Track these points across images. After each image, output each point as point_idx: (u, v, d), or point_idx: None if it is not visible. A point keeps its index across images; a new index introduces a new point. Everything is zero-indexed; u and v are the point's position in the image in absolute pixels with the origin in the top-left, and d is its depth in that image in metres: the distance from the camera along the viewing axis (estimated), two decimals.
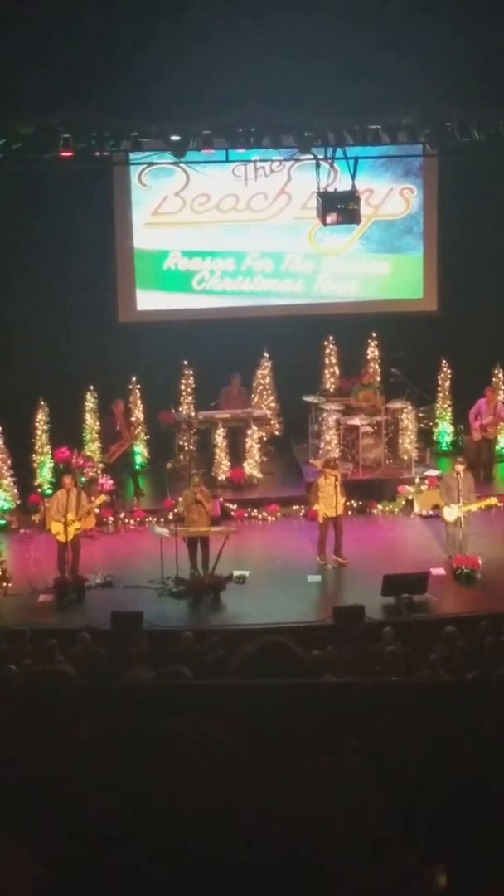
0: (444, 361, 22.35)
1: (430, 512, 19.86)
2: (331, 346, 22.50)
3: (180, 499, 19.03)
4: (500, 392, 22.04)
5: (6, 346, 21.70)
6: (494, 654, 14.14)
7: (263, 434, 21.67)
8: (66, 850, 3.71)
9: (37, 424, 21.07)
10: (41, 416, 21.09)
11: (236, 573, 17.93)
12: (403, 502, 20.47)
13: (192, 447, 21.62)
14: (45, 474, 20.95)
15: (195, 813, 3.68)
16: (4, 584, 17.94)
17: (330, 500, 18.44)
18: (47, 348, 21.63)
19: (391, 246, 22.84)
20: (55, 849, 3.72)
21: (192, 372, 21.92)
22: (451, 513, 18.25)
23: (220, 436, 21.16)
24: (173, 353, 21.76)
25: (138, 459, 21.63)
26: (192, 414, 21.72)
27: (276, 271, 22.69)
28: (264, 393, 22.28)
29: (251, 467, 21.15)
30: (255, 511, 20.47)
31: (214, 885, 3.54)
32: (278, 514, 20.46)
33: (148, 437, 21.85)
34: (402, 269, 22.95)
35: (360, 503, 20.36)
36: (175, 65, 16.72)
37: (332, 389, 22.37)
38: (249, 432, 21.19)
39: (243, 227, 22.49)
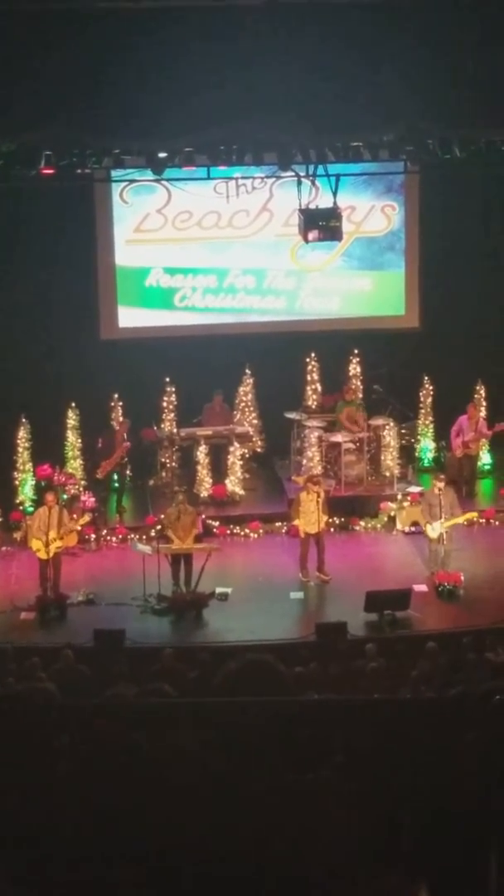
0: (426, 378, 22.36)
1: (413, 528, 19.88)
2: (313, 362, 22.47)
3: (163, 516, 19.00)
4: (482, 408, 22.06)
5: None
6: (476, 670, 14.13)
7: (246, 451, 21.65)
8: (42, 868, 3.69)
9: (18, 441, 21.01)
10: (23, 434, 21.04)
11: (219, 590, 17.89)
12: (386, 519, 20.47)
13: (174, 464, 21.59)
14: (26, 492, 20.89)
15: (177, 829, 3.67)
16: None
17: (311, 517, 18.43)
18: (29, 365, 21.57)
19: (373, 263, 22.86)
20: (31, 866, 3.70)
21: (174, 389, 21.88)
22: (433, 529, 18.27)
23: (202, 453, 21.12)
24: (155, 370, 21.72)
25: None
26: (175, 431, 21.68)
27: (259, 288, 22.69)
28: (246, 410, 22.26)
29: (233, 484, 21.12)
30: (238, 528, 20.43)
31: None
32: (261, 530, 20.43)
33: (130, 454, 21.81)
34: (383, 285, 22.98)
35: (343, 520, 20.34)
36: (156, 82, 16.73)
37: (314, 406, 22.36)
38: (232, 449, 21.17)
39: (225, 244, 22.49)
